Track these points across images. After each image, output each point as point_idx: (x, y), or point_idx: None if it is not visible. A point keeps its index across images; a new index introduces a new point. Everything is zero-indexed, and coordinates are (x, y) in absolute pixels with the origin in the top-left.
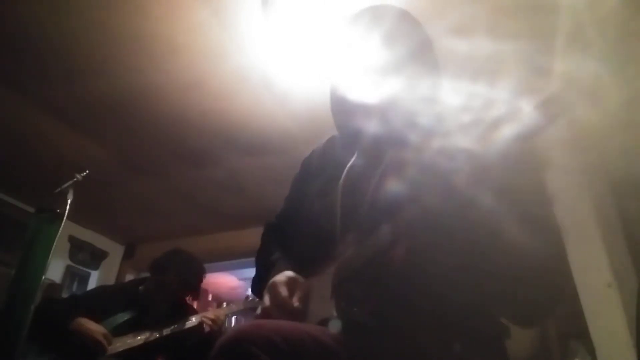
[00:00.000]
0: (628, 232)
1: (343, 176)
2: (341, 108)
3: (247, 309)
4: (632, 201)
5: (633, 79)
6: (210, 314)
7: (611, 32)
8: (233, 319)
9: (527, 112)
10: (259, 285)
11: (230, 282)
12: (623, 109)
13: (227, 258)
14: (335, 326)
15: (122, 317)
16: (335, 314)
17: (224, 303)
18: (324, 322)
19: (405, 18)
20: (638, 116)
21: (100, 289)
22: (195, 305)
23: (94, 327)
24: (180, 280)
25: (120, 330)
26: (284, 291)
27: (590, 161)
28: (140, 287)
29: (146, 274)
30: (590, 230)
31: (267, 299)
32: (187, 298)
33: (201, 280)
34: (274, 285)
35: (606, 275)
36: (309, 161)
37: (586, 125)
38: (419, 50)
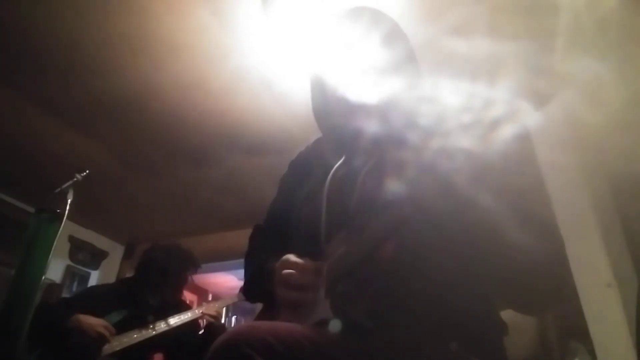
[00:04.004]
0: (628, 232)
1: (329, 178)
2: (326, 109)
3: (241, 301)
4: (632, 201)
5: (633, 79)
6: (211, 309)
7: (611, 32)
8: (233, 318)
9: (527, 112)
10: (253, 285)
11: (230, 282)
12: (623, 109)
13: (227, 258)
14: (336, 326)
15: (117, 316)
16: (331, 314)
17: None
18: (320, 323)
19: (398, 26)
20: (638, 116)
21: (92, 289)
22: (196, 300)
23: (94, 321)
24: (167, 274)
25: (116, 329)
26: (299, 259)
27: (590, 161)
28: (132, 285)
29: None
30: (590, 230)
31: (284, 270)
32: (189, 277)
33: (193, 261)
34: (287, 259)
35: (606, 275)
36: (296, 163)
37: (586, 125)
38: (408, 58)
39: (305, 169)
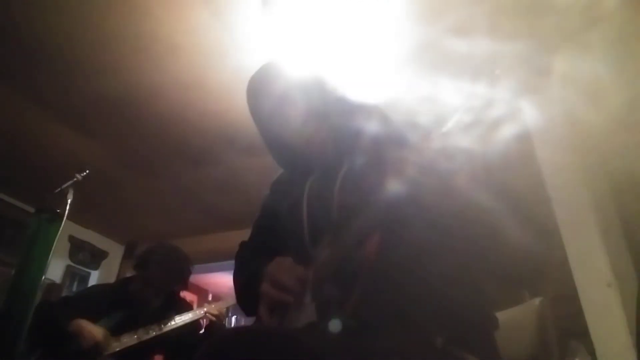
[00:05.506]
0: (628, 232)
1: (307, 187)
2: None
3: None
4: (632, 201)
5: (633, 79)
6: (214, 309)
7: (611, 32)
8: (233, 318)
9: (526, 112)
10: (247, 297)
11: (230, 282)
12: (623, 109)
13: (227, 258)
14: (323, 328)
15: (116, 317)
16: (317, 317)
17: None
18: (308, 326)
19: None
20: (638, 116)
21: (92, 290)
22: (196, 300)
23: (94, 329)
24: (165, 273)
25: (116, 330)
26: (289, 263)
27: (590, 161)
28: (129, 286)
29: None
30: (590, 230)
31: (271, 269)
32: (177, 290)
33: (187, 271)
34: (278, 259)
35: (606, 275)
36: (277, 183)
37: (586, 125)
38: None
39: (285, 187)
